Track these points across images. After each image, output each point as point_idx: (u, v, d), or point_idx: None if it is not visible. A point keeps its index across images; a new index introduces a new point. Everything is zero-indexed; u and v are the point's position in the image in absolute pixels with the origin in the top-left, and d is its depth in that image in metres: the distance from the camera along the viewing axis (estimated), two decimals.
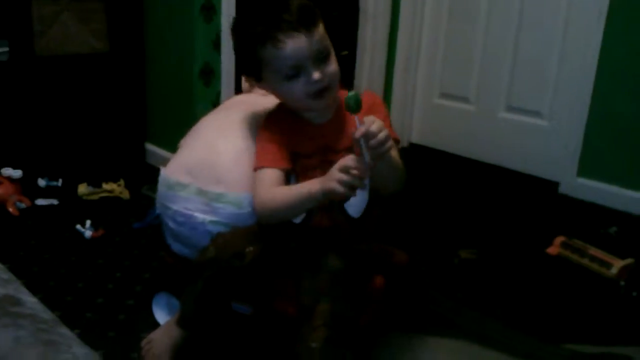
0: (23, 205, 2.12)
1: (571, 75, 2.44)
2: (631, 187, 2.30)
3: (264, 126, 1.33)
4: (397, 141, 1.25)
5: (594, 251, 1.85)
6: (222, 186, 1.34)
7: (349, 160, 1.11)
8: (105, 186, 2.28)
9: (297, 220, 1.28)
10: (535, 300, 1.66)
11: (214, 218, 1.33)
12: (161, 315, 1.47)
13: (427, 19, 2.90)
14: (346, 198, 1.16)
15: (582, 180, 2.43)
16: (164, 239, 1.49)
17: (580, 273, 1.81)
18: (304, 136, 1.29)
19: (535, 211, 2.33)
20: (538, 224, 2.18)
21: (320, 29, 1.21)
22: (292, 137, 1.29)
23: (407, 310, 1.48)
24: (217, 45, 2.35)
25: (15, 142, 2.32)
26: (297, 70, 1.20)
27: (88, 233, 1.92)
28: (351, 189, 1.11)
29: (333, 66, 1.23)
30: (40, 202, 2.17)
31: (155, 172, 1.49)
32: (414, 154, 2.92)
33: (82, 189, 2.26)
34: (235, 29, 1.26)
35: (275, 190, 1.25)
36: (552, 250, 1.92)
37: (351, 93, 1.12)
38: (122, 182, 2.32)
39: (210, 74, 2.37)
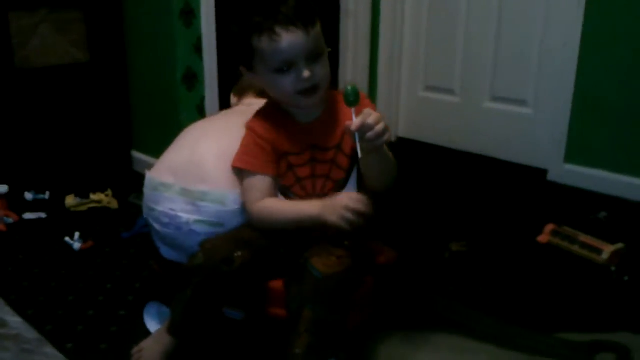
0: (10, 220, 2.10)
1: (554, 62, 2.45)
2: (619, 171, 2.31)
3: (251, 123, 1.32)
4: None
5: (584, 238, 1.85)
6: (205, 184, 1.34)
7: (354, 201, 1.16)
8: (93, 197, 2.27)
9: None
10: (527, 289, 1.66)
11: (198, 217, 1.33)
12: (153, 325, 1.46)
13: (408, 13, 2.90)
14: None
15: (569, 167, 2.44)
16: (153, 243, 1.48)
17: (571, 260, 1.81)
18: (293, 134, 1.29)
19: (525, 200, 2.33)
20: (527, 213, 2.19)
21: (318, 28, 1.23)
22: (280, 135, 1.29)
23: (398, 308, 1.48)
24: (198, 49, 2.33)
25: None
26: (288, 66, 1.21)
27: (77, 245, 1.91)
28: (352, 225, 1.15)
29: (324, 67, 1.24)
30: (28, 216, 2.15)
31: (143, 179, 1.48)
32: (402, 148, 2.92)
33: (70, 200, 2.24)
34: (233, 16, 1.27)
35: (273, 204, 1.28)
36: (543, 238, 1.92)
37: (350, 86, 1.15)
38: (109, 192, 2.31)
39: (193, 79, 2.36)
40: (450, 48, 2.78)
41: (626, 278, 1.70)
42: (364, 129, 1.11)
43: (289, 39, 1.18)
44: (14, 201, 2.21)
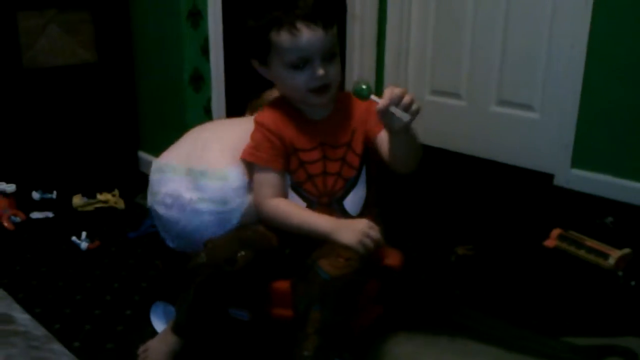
0: (18, 219, 2.11)
1: (561, 67, 2.44)
2: (625, 177, 2.30)
3: (260, 117, 1.33)
4: None
5: (590, 242, 1.85)
6: (208, 164, 1.35)
7: (374, 229, 1.19)
8: (99, 197, 2.28)
9: None
10: (533, 293, 1.66)
11: (201, 195, 1.33)
12: (159, 324, 1.46)
13: (414, 17, 2.90)
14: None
15: (576, 172, 2.43)
16: (159, 242, 1.48)
17: (578, 265, 1.81)
18: (303, 130, 1.31)
19: (531, 204, 2.33)
20: (534, 217, 2.18)
21: (334, 29, 1.25)
22: (291, 130, 1.30)
23: (404, 310, 1.48)
24: (205, 50, 2.34)
25: (7, 156, 2.32)
26: (304, 62, 1.22)
27: (84, 245, 1.92)
28: (367, 251, 1.18)
29: (337, 67, 1.27)
30: (35, 215, 2.16)
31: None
32: None
33: (77, 200, 2.25)
34: (248, 10, 1.28)
35: (286, 207, 1.29)
36: (549, 243, 1.92)
37: (359, 82, 1.16)
38: (116, 192, 2.31)
39: (200, 80, 2.36)
40: (457, 52, 2.78)
41: (633, 283, 1.70)
42: (394, 99, 1.10)
43: (309, 35, 1.20)
44: (21, 200, 2.21)
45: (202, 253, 1.24)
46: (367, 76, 2.98)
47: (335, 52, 1.26)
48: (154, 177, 1.43)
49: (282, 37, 1.22)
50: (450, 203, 2.33)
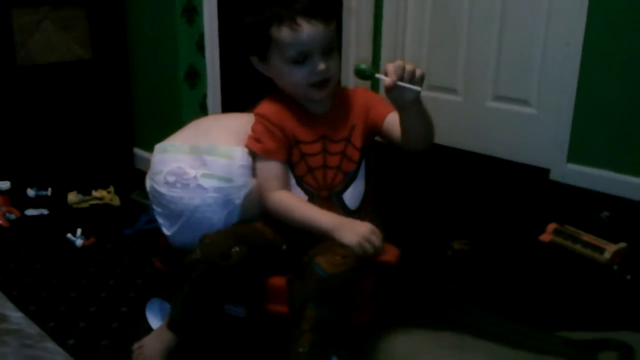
0: (13, 217, 2.10)
1: (557, 62, 2.44)
2: (621, 171, 2.31)
3: (261, 109, 1.33)
4: None
5: (586, 237, 1.85)
6: (214, 141, 1.35)
7: (376, 235, 1.19)
8: (95, 193, 2.27)
9: None
10: (529, 288, 1.66)
11: (206, 171, 1.32)
12: (155, 321, 1.46)
13: (410, 12, 2.90)
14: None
15: (572, 166, 2.43)
16: (155, 238, 1.47)
17: (574, 259, 1.81)
18: (304, 123, 1.31)
19: (527, 199, 2.33)
20: (530, 212, 2.18)
21: (334, 24, 1.26)
22: (292, 122, 1.31)
23: (401, 305, 1.48)
24: (200, 47, 2.33)
25: (2, 153, 2.31)
26: (304, 57, 1.23)
27: (79, 242, 1.91)
28: (365, 254, 1.17)
29: (336, 61, 1.28)
30: (30, 212, 2.15)
31: (145, 176, 1.48)
32: None
33: (72, 197, 2.25)
34: (247, 7, 1.29)
35: (291, 201, 1.29)
36: (545, 237, 1.92)
37: (360, 63, 1.17)
38: (111, 188, 2.31)
39: (195, 76, 2.36)
40: (453, 47, 2.78)
41: (628, 277, 1.70)
42: (399, 72, 1.10)
43: (309, 30, 1.21)
44: (16, 197, 2.21)
45: (197, 249, 1.24)
46: None
47: (334, 46, 1.27)
48: (156, 158, 1.41)
49: (283, 33, 1.22)
50: (446, 198, 2.33)
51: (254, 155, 1.33)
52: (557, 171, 2.48)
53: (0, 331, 0.75)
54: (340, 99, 1.35)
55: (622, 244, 1.79)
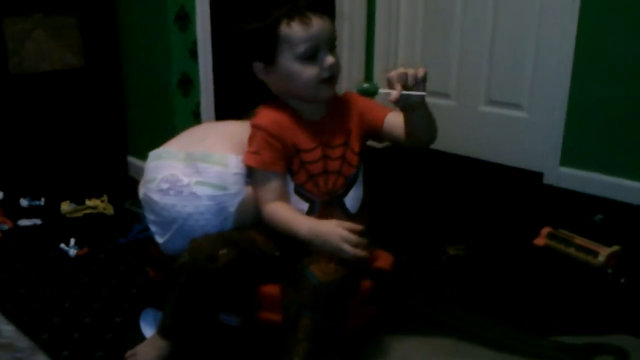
0: (5, 227, 2.09)
1: (549, 66, 2.45)
2: (614, 174, 2.31)
3: (258, 120, 1.32)
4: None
5: (580, 240, 1.85)
6: (208, 149, 1.36)
7: (343, 226, 1.17)
8: (88, 202, 2.26)
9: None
10: (524, 292, 1.66)
11: (200, 178, 1.32)
12: (148, 331, 1.45)
13: (403, 16, 2.91)
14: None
15: (565, 170, 2.44)
16: (148, 247, 1.47)
17: (568, 263, 1.81)
18: (303, 131, 1.31)
19: (521, 203, 2.33)
20: (524, 216, 2.19)
21: (334, 20, 1.29)
22: (290, 131, 1.31)
23: (395, 311, 1.48)
24: (193, 53, 2.33)
25: None
26: (314, 52, 1.24)
27: (72, 251, 1.90)
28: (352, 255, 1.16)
29: (338, 58, 1.29)
30: (23, 222, 2.14)
31: (139, 184, 1.48)
32: (397, 152, 2.91)
33: (65, 206, 2.24)
34: (248, 14, 1.30)
35: (277, 211, 1.28)
36: (539, 241, 1.92)
37: (361, 82, 1.18)
38: (105, 197, 2.30)
39: (189, 84, 2.35)
40: (445, 52, 2.79)
41: (622, 280, 1.70)
42: (402, 78, 1.12)
43: (319, 23, 1.24)
44: (9, 208, 2.20)
45: (185, 252, 1.24)
46: (356, 76, 2.98)
47: (336, 44, 1.28)
48: (150, 164, 1.42)
49: (294, 29, 1.23)
50: (440, 203, 2.33)
51: (251, 170, 1.33)
52: (550, 175, 2.48)
53: None
54: (335, 104, 1.36)
55: (616, 247, 1.80)
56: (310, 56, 1.24)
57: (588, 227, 2.02)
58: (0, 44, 2.23)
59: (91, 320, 1.55)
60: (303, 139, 1.31)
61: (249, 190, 1.33)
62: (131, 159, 2.62)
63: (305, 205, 1.33)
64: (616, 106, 2.28)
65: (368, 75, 3.01)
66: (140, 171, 2.61)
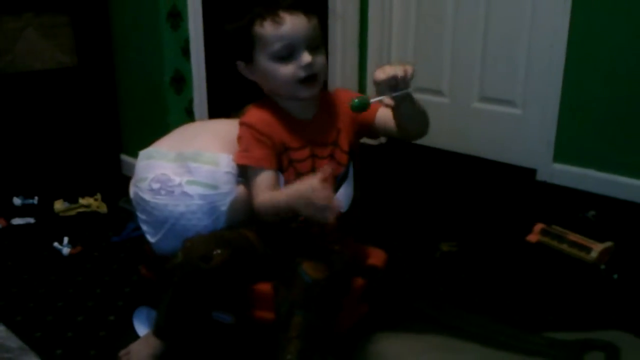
0: None
1: (541, 63, 2.46)
2: (607, 170, 2.32)
3: (247, 118, 1.32)
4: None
5: (573, 236, 1.86)
6: (199, 148, 1.36)
7: (315, 182, 1.10)
8: (81, 201, 2.26)
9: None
10: (516, 288, 1.67)
11: (191, 178, 1.32)
12: (142, 329, 1.45)
13: (395, 15, 2.90)
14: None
15: (558, 166, 2.45)
16: (142, 245, 1.47)
17: (561, 259, 1.82)
18: (291, 130, 1.31)
19: (514, 199, 2.34)
20: (517, 212, 2.19)
21: (316, 20, 1.27)
22: (279, 129, 1.30)
23: (388, 308, 1.48)
24: (186, 52, 2.33)
25: None
26: (290, 52, 1.23)
27: (66, 250, 1.90)
28: (323, 212, 1.11)
29: (323, 58, 1.28)
30: (17, 221, 2.13)
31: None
32: (391, 149, 2.92)
33: (59, 205, 2.23)
34: (228, 15, 1.29)
35: (268, 197, 1.25)
36: (532, 237, 1.93)
37: (353, 99, 1.15)
38: (98, 196, 2.29)
39: (181, 82, 2.35)
40: (439, 49, 2.79)
41: (615, 276, 1.71)
42: (391, 82, 1.12)
43: (292, 22, 1.22)
44: (2, 206, 2.19)
45: (179, 252, 1.23)
46: (349, 75, 2.98)
47: (320, 44, 1.27)
48: (140, 164, 1.42)
49: (266, 28, 1.23)
50: (433, 200, 2.34)
51: (244, 169, 1.32)
52: (543, 171, 2.49)
53: None
54: (325, 103, 1.36)
55: (609, 243, 1.81)
56: (286, 55, 1.23)
57: (581, 224, 2.03)
58: None
59: (84, 318, 1.55)
60: (291, 137, 1.30)
61: (240, 189, 1.33)
62: (125, 157, 2.61)
63: None
64: (609, 102, 2.29)
65: (361, 74, 3.01)
66: (133, 169, 2.61)
